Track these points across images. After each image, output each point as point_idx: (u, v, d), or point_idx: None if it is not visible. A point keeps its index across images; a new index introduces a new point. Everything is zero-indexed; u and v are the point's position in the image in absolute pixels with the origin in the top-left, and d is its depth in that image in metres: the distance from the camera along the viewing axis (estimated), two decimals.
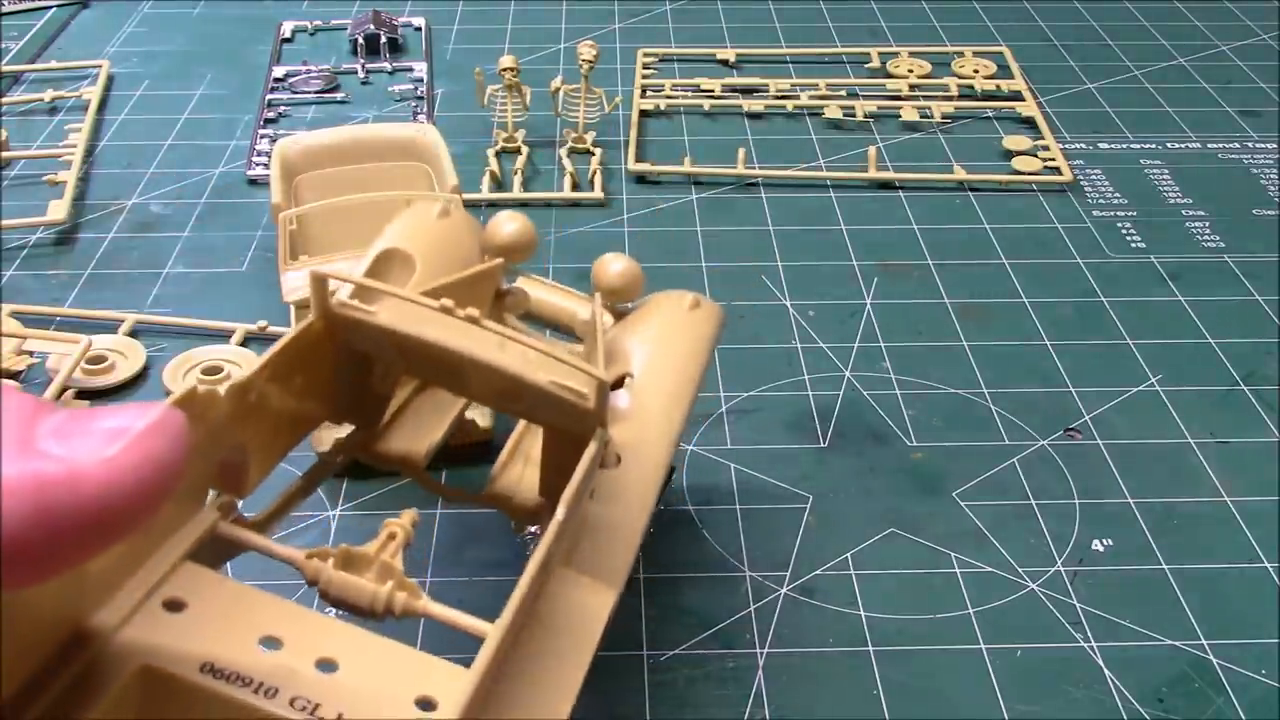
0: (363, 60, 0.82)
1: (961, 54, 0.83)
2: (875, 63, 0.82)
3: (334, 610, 0.29)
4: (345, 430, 0.48)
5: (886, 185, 0.69)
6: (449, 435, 0.41)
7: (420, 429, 0.40)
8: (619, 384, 0.39)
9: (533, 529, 0.43)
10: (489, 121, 0.73)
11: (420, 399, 0.41)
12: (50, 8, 0.90)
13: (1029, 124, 0.75)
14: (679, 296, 0.43)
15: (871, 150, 0.69)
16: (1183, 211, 0.67)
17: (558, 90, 0.72)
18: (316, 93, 0.78)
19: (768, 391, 0.53)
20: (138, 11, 0.90)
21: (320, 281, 0.33)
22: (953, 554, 0.46)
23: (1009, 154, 0.71)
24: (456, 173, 0.57)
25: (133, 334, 0.56)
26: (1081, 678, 0.41)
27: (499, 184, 0.68)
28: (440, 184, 0.58)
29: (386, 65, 0.81)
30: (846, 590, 0.44)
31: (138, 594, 0.27)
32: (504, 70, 0.70)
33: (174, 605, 0.27)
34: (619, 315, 0.43)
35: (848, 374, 0.54)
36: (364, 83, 0.80)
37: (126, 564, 0.27)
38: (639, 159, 0.71)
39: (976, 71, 0.80)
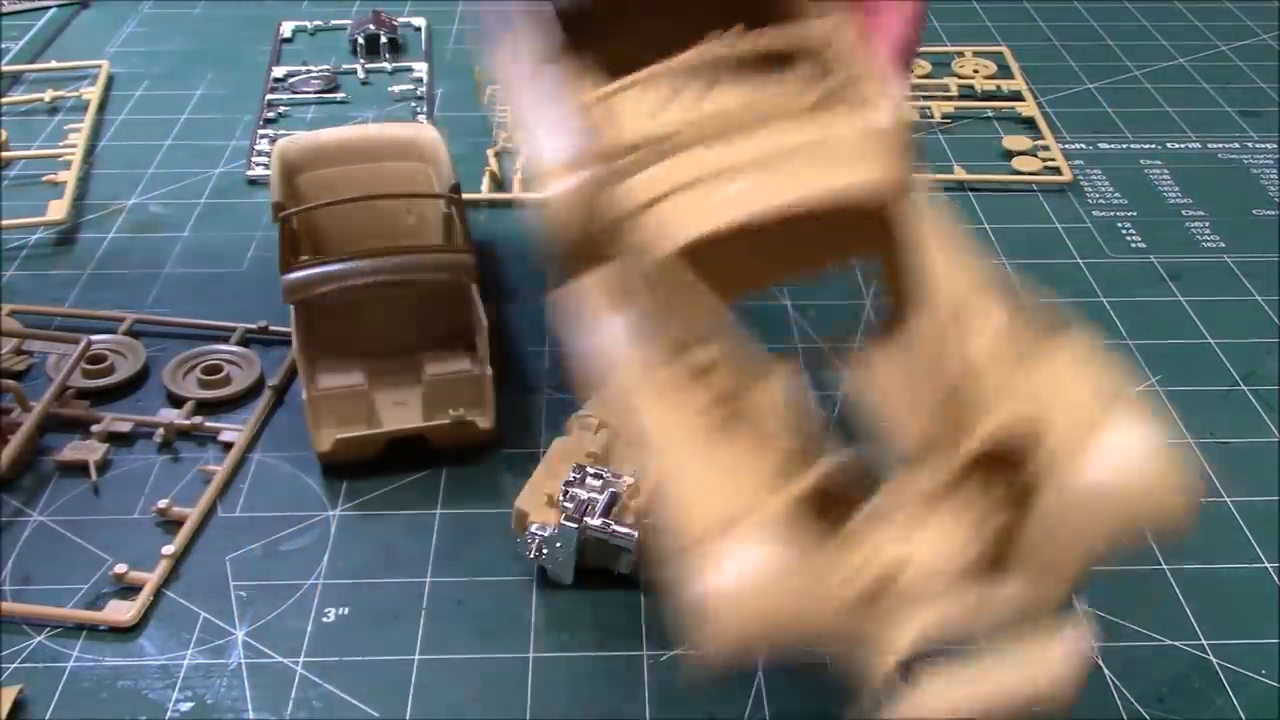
0: (363, 60, 0.82)
1: (961, 54, 0.83)
2: None
3: None
4: (346, 431, 0.49)
5: None
6: None
7: None
8: None
9: (534, 527, 0.43)
10: (489, 121, 0.73)
11: None
12: (50, 8, 0.90)
13: (1029, 124, 0.75)
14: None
15: None
16: (1183, 211, 0.67)
17: None
18: (316, 93, 0.78)
19: None
20: (138, 11, 0.90)
21: None
22: None
23: (1009, 154, 0.71)
24: (456, 173, 0.57)
25: (133, 334, 0.56)
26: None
27: (499, 184, 0.68)
28: (440, 184, 0.58)
29: (386, 65, 0.81)
30: None
31: None
32: None
33: None
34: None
35: (848, 374, 0.54)
36: (364, 83, 0.80)
37: None
38: None
39: (976, 71, 0.80)
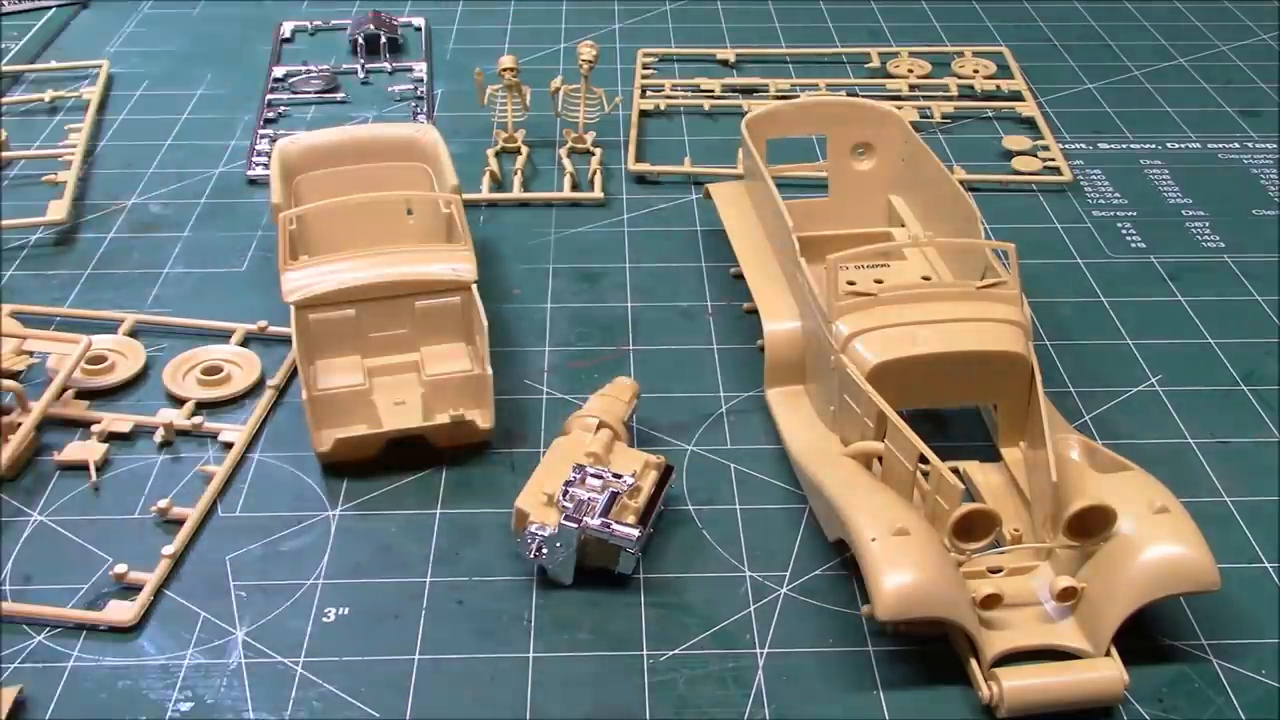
0: (363, 60, 0.82)
1: (961, 54, 0.83)
2: (875, 63, 0.82)
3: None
4: (346, 431, 0.49)
5: None
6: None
7: None
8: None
9: (533, 527, 0.43)
10: (489, 121, 0.73)
11: None
12: (50, 8, 0.90)
13: (1029, 124, 0.75)
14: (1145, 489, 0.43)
15: None
16: (1183, 211, 0.67)
17: (558, 90, 0.72)
18: (316, 93, 0.78)
19: None
20: (138, 11, 0.90)
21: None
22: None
23: (1009, 154, 0.71)
24: (456, 173, 0.57)
25: (133, 334, 0.56)
26: None
27: (499, 184, 0.68)
28: (440, 184, 0.58)
29: (386, 65, 0.81)
30: (846, 590, 0.44)
31: None
32: (504, 70, 0.70)
33: None
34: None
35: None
36: (364, 83, 0.80)
37: None
38: (639, 159, 0.71)
39: (976, 71, 0.80)
